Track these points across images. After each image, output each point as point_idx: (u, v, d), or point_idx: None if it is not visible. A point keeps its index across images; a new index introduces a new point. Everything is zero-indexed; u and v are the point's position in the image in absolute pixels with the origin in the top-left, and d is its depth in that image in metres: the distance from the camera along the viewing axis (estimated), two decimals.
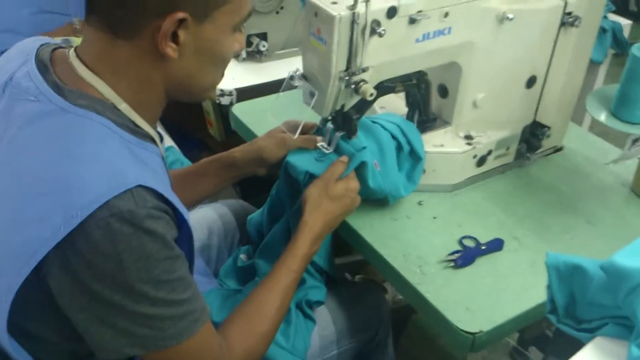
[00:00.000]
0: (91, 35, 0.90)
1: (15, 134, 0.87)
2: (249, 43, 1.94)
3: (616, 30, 2.52)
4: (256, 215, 1.40)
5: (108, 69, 0.90)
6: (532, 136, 1.47)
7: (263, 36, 1.94)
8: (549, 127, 1.47)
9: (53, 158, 0.83)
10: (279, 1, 1.91)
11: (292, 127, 1.28)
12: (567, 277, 0.89)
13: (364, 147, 1.24)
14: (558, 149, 1.57)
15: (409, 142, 1.31)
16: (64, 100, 0.87)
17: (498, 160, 1.46)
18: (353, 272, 2.03)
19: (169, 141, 1.86)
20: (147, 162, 0.90)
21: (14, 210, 0.83)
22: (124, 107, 0.91)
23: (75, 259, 0.80)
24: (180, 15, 0.85)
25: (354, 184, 1.22)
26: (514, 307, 1.14)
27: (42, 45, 0.97)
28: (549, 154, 1.56)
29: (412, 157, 1.33)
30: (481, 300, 1.15)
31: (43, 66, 0.91)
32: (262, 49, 1.93)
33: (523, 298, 1.16)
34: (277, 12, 1.94)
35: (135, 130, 0.92)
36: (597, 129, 2.02)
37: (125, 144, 0.88)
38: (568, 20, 1.33)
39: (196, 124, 2.42)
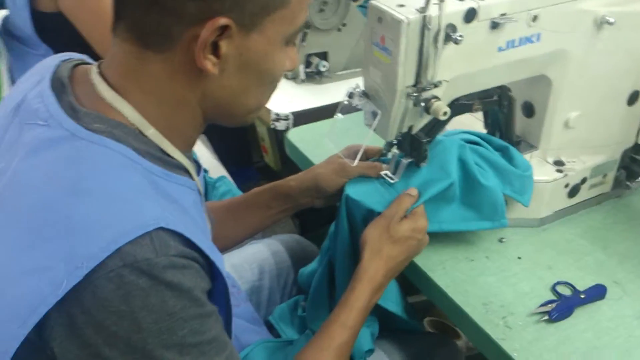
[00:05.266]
0: (117, 48, 0.77)
1: (17, 165, 0.73)
2: (308, 63, 1.80)
3: None
4: (311, 266, 1.24)
5: (135, 88, 0.76)
6: (633, 161, 1.28)
7: (323, 56, 1.81)
8: None
9: (57, 194, 0.69)
10: (341, 18, 1.78)
11: (352, 153, 1.12)
12: None
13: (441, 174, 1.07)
14: None
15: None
16: (76, 125, 0.73)
17: (593, 190, 1.26)
18: (420, 314, 1.83)
19: (221, 171, 1.73)
20: (177, 198, 0.76)
21: (9, 260, 0.69)
22: (151, 132, 0.77)
23: (82, 319, 0.66)
24: (223, 21, 0.71)
25: (422, 222, 1.04)
26: None
27: (62, 61, 0.83)
28: None
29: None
30: None
31: (60, 85, 0.78)
32: (323, 69, 1.79)
33: (630, 357, 0.97)
34: (339, 30, 1.80)
35: (164, 159, 0.78)
36: None
37: (148, 176, 0.73)
38: None
39: (253, 150, 2.31)
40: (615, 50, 1.12)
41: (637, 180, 1.29)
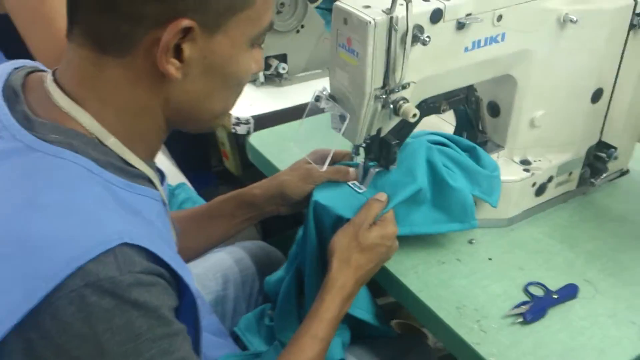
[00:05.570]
0: (73, 54, 0.73)
1: None
2: (267, 66, 1.77)
3: None
4: (278, 274, 1.20)
5: (93, 95, 0.72)
6: (597, 159, 1.28)
7: (282, 58, 1.77)
8: (615, 148, 1.27)
9: (12, 210, 0.64)
10: (299, 19, 1.75)
11: (320, 157, 1.09)
12: None
13: (412, 177, 1.05)
14: (624, 173, 1.37)
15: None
16: (31, 136, 0.69)
17: (559, 188, 1.26)
18: (388, 317, 1.81)
19: (180, 177, 1.68)
20: (140, 209, 0.72)
21: None
22: (112, 141, 0.73)
23: (41, 344, 0.62)
24: (186, 23, 0.68)
25: (391, 228, 1.02)
26: None
27: (15, 69, 0.79)
28: (614, 179, 1.36)
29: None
30: None
31: (13, 94, 0.73)
32: (282, 71, 1.75)
33: (605, 357, 0.96)
34: (298, 31, 1.77)
35: (125, 170, 0.74)
36: None
37: (109, 188, 0.69)
38: (639, 22, 1.13)
39: (211, 155, 2.26)
40: (579, 48, 1.12)
41: (601, 177, 1.30)
